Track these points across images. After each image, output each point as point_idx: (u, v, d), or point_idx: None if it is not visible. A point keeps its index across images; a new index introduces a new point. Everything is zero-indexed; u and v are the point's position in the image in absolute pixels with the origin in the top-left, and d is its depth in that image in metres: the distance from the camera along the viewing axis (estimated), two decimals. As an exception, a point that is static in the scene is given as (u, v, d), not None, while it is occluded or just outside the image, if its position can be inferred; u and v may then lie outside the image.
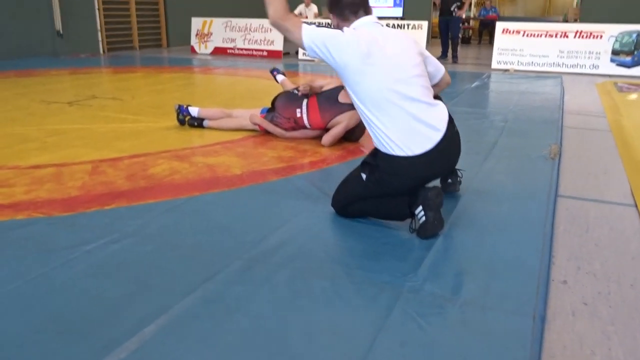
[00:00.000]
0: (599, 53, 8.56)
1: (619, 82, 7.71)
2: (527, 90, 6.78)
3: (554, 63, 8.84)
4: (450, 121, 2.49)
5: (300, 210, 2.68)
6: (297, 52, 10.98)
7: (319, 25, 10.34)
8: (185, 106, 4.51)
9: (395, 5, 10.53)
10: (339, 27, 2.56)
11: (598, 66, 8.58)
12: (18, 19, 9.84)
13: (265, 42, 11.12)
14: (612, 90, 6.95)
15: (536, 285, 1.99)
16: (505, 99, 6.28)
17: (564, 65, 8.78)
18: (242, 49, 11.37)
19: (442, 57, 10.43)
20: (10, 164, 3.43)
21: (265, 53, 11.09)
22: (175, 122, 4.53)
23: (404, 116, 2.36)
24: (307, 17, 11.51)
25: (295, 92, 4.18)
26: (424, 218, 2.34)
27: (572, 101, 6.10)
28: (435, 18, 12.18)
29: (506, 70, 8.92)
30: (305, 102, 4.05)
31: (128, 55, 11.31)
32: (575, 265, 2.21)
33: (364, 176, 2.55)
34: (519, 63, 9.03)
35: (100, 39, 11.54)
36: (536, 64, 8.94)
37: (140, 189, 2.97)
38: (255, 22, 11.35)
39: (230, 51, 11.47)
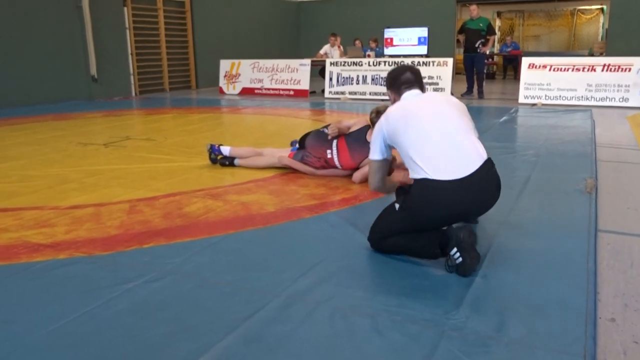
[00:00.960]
0: (628, 86, 8.48)
1: (650, 114, 7.61)
2: (557, 124, 6.72)
3: (582, 97, 8.78)
4: (489, 160, 2.49)
5: (336, 247, 2.68)
6: (322, 91, 11.15)
7: (344, 63, 10.52)
8: (217, 145, 4.60)
9: (419, 43, 10.65)
10: (394, 101, 2.87)
11: (628, 99, 8.49)
12: (56, 65, 10.26)
13: (292, 82, 11.33)
14: (645, 123, 6.85)
15: (584, 323, 1.93)
16: (535, 133, 6.24)
17: (592, 99, 8.70)
18: (269, 89, 11.61)
19: (468, 93, 10.47)
20: (50, 204, 3.52)
21: (292, 92, 11.28)
22: (208, 161, 4.60)
23: (439, 140, 2.48)
24: (332, 57, 11.72)
25: (324, 131, 4.23)
26: (460, 259, 2.31)
27: (603, 134, 6.03)
28: (460, 55, 12.28)
29: (534, 105, 8.88)
30: (334, 143, 4.10)
31: (159, 97, 11.63)
32: (622, 302, 2.14)
33: (397, 206, 2.55)
34: (546, 97, 8.99)
35: (132, 82, 11.93)
36: (564, 98, 8.89)
37: (176, 228, 3.01)
38: (281, 62, 11.61)
39: (258, 91, 11.72)
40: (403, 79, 2.80)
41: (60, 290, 2.26)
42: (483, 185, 2.48)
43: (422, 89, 2.83)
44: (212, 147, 4.60)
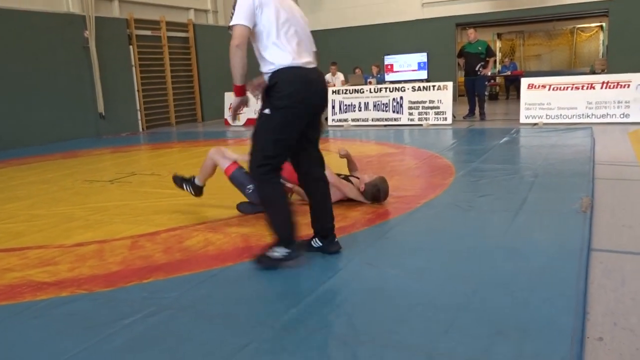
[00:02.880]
0: (628, 102, 8.52)
1: (651, 129, 7.63)
2: (557, 144, 6.76)
3: (583, 114, 8.82)
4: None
5: (330, 276, 2.73)
6: (326, 119, 11.29)
7: (346, 91, 10.67)
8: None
9: (420, 68, 10.81)
10: None
11: (629, 115, 8.52)
12: (65, 104, 10.53)
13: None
14: (645, 138, 6.87)
15: (570, 342, 1.96)
16: (534, 154, 6.28)
17: (593, 116, 8.75)
18: (273, 119, 11.74)
19: (470, 115, 10.56)
20: (56, 243, 3.61)
21: (295, 121, 11.42)
22: (211, 194, 4.68)
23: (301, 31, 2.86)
24: (334, 85, 11.90)
25: None
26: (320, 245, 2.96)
27: (603, 152, 6.06)
28: (461, 77, 12.41)
29: (535, 125, 8.94)
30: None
31: (166, 132, 11.84)
32: (612, 321, 2.17)
33: (267, 111, 2.75)
34: (547, 116, 9.05)
35: (139, 117, 12.18)
36: (565, 117, 8.94)
37: (176, 262, 3.08)
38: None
39: (262, 122, 11.85)
40: None
41: (61, 328, 2.33)
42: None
43: None
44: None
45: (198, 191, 4.26)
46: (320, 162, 3.08)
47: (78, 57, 10.76)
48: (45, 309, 2.54)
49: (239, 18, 2.73)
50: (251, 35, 2.78)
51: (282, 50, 2.76)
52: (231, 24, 2.75)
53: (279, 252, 2.82)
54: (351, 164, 4.66)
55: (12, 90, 9.69)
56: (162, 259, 3.14)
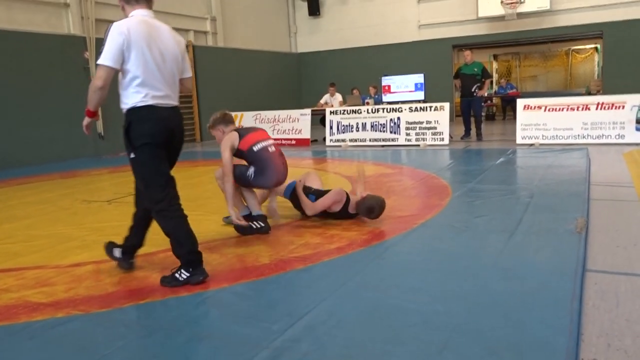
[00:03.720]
0: (623, 123, 8.60)
1: (646, 150, 7.69)
2: (553, 164, 6.81)
3: (578, 135, 8.90)
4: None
5: (326, 297, 2.74)
6: (324, 139, 11.36)
7: (344, 112, 10.76)
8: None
9: (416, 89, 10.92)
10: (123, 9, 3.13)
11: (624, 135, 8.59)
12: (64, 124, 10.58)
13: (294, 131, 11.57)
14: (640, 159, 6.93)
15: (563, 364, 1.97)
16: (531, 174, 6.32)
17: (589, 137, 8.82)
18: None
19: (466, 136, 10.63)
20: (52, 263, 3.62)
21: (293, 142, 11.50)
22: (207, 214, 4.71)
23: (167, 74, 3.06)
24: (332, 106, 12.00)
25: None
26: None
27: (599, 172, 6.10)
28: (457, 98, 12.53)
29: (531, 145, 9.00)
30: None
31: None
32: (606, 342, 2.18)
33: (132, 155, 2.99)
34: (544, 137, 9.12)
35: (138, 138, 12.22)
36: (561, 137, 9.01)
37: (172, 282, 3.08)
38: (283, 113, 11.89)
39: (261, 142, 11.94)
40: None
41: (56, 349, 2.33)
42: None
43: (150, 8, 3.12)
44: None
45: (264, 221, 4.14)
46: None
47: (78, 77, 10.85)
48: (41, 329, 2.54)
49: (106, 58, 2.91)
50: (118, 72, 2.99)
51: (138, 92, 3.00)
52: (98, 62, 2.93)
53: (183, 275, 3.02)
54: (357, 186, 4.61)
55: (13, 110, 9.75)
56: (158, 280, 3.14)
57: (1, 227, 4.84)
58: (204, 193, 6.08)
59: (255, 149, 4.11)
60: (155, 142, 3.01)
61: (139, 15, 3.05)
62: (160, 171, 3.08)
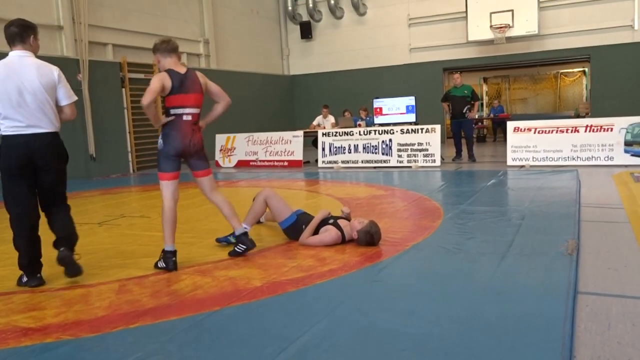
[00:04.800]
0: (612, 145, 8.71)
1: (635, 172, 7.77)
2: (543, 186, 6.87)
3: (568, 157, 8.99)
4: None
5: (318, 320, 2.72)
6: (316, 161, 11.40)
7: (336, 134, 10.82)
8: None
9: (408, 111, 11.01)
10: None
11: (613, 157, 8.69)
12: (55, 146, 10.56)
13: (286, 153, 11.60)
14: (629, 181, 7.00)
15: (556, 388, 1.96)
16: (521, 196, 6.37)
17: (578, 159, 8.91)
18: (264, 161, 11.86)
19: (457, 157, 10.71)
20: (41, 287, 3.58)
21: (286, 163, 11.53)
22: (198, 237, 4.69)
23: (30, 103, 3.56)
24: (324, 127, 12.07)
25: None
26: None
27: (589, 194, 6.15)
28: (448, 120, 12.66)
29: (522, 167, 9.08)
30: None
31: (156, 173, 11.85)
32: (598, 365, 2.18)
33: None
34: (534, 159, 9.21)
35: (130, 159, 12.21)
36: (551, 159, 9.10)
37: (164, 306, 3.06)
38: (275, 135, 11.93)
39: (253, 163, 11.97)
40: (7, 34, 3.61)
41: (45, 375, 2.29)
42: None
43: (24, 48, 3.64)
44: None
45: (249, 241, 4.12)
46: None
47: (71, 99, 10.87)
48: (30, 354, 2.51)
49: None
50: None
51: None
52: None
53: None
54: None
55: (4, 132, 9.72)
56: (149, 303, 3.12)
57: (-10, 250, 4.78)
58: (195, 215, 6.07)
59: (172, 112, 3.93)
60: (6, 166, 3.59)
61: (10, 56, 3.63)
62: (16, 192, 3.69)
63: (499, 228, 4.63)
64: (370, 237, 4.14)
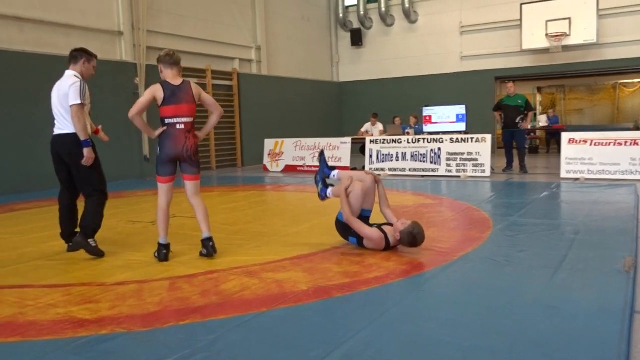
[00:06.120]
0: (674, 159, 8.31)
1: (700, 188, 7.38)
2: (599, 200, 6.62)
3: (626, 171, 8.64)
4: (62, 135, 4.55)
5: (363, 326, 2.72)
6: (363, 168, 11.38)
7: (384, 141, 10.79)
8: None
9: (458, 120, 10.86)
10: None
11: (675, 172, 8.29)
12: (113, 148, 10.92)
13: (334, 159, 11.65)
14: (693, 197, 6.65)
15: (611, 409, 1.89)
16: (575, 210, 6.16)
17: (637, 173, 8.54)
18: (311, 166, 11.95)
19: (508, 168, 10.47)
20: (97, 281, 3.73)
21: (333, 169, 11.56)
22: (246, 239, 4.77)
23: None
24: (372, 135, 12.05)
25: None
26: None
27: (648, 210, 5.89)
28: (499, 130, 12.40)
29: (576, 180, 8.79)
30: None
31: (206, 176, 12.13)
32: (656, 388, 2.09)
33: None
34: (589, 172, 8.89)
35: (181, 161, 12.54)
36: (607, 172, 8.76)
37: (212, 305, 3.13)
38: (323, 140, 12.01)
39: (300, 169, 12.08)
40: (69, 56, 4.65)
41: (99, 365, 2.39)
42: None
43: (73, 68, 4.64)
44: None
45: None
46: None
47: (127, 102, 11.21)
48: (86, 345, 2.61)
49: None
50: None
51: None
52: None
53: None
54: (381, 198, 4.62)
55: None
56: (198, 302, 3.20)
57: (50, 244, 5.02)
58: (243, 218, 6.18)
59: (167, 121, 4.30)
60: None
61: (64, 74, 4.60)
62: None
63: (551, 242, 4.49)
64: (412, 238, 4.10)
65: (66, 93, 4.38)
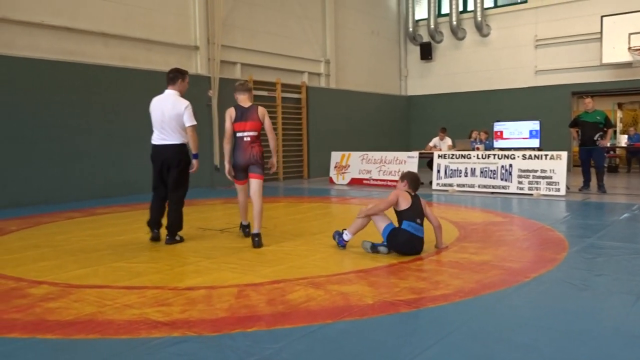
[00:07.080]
0: None
1: None
2: (688, 224, 6.17)
3: None
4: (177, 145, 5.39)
5: (430, 344, 2.67)
6: (430, 183, 11.21)
7: (452, 156, 10.59)
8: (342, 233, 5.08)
9: (531, 136, 10.48)
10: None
11: None
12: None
13: (400, 173, 11.53)
14: None
15: None
16: (660, 233, 5.77)
17: None
18: (377, 180, 11.90)
19: (585, 187, 9.96)
20: (170, 285, 3.88)
21: (399, 184, 11.45)
22: (312, 250, 4.81)
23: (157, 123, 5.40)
24: (440, 149, 11.85)
25: None
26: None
27: None
28: (575, 147, 11.87)
29: (661, 201, 8.24)
30: None
31: (273, 186, 12.36)
32: None
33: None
34: (676, 193, 8.31)
35: (250, 172, 12.85)
36: (697, 195, 8.15)
37: (278, 314, 3.18)
38: (390, 155, 11.94)
39: (366, 182, 12.05)
40: (167, 77, 5.45)
41: (171, 366, 2.47)
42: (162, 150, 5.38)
43: (173, 87, 5.41)
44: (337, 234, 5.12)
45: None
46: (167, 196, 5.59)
47: (201, 114, 11.65)
48: (158, 347, 2.72)
49: None
50: None
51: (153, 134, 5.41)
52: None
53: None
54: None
55: (141, 143, 10.68)
56: (265, 310, 3.25)
57: (129, 247, 5.28)
58: (309, 229, 6.24)
59: (237, 135, 5.29)
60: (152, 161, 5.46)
61: (165, 92, 5.38)
62: (153, 177, 5.49)
63: (633, 266, 4.23)
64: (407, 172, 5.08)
65: (181, 113, 5.24)
